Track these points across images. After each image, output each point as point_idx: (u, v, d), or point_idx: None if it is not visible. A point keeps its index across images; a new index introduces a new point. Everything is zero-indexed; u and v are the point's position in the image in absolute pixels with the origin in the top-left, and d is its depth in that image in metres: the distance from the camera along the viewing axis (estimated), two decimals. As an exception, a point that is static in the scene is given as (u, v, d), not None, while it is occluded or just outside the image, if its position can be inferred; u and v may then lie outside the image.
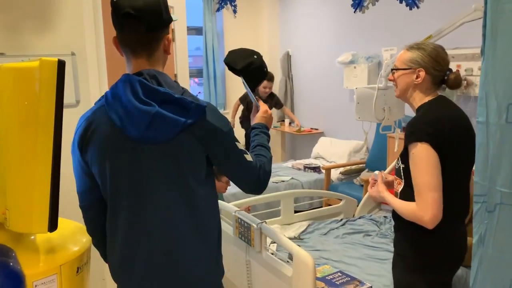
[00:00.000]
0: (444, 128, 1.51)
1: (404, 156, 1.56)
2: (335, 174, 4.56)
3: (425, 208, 1.47)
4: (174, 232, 1.28)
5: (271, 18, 6.03)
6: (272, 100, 5.05)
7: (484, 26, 1.23)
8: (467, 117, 1.63)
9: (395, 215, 1.66)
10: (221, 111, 6.12)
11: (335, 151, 4.94)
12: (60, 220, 1.86)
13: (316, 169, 4.75)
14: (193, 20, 6.11)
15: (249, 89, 1.70)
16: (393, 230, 2.74)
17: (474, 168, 1.25)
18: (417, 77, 1.59)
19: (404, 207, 1.56)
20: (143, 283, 1.30)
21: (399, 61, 1.66)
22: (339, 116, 5.17)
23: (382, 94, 3.15)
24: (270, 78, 4.76)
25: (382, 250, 2.50)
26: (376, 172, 1.79)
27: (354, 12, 3.59)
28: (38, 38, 2.46)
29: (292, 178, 4.47)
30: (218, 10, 5.82)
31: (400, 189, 1.61)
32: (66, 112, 2.58)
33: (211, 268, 1.36)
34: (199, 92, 6.61)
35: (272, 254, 2.06)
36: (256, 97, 1.70)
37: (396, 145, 3.43)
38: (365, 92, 3.47)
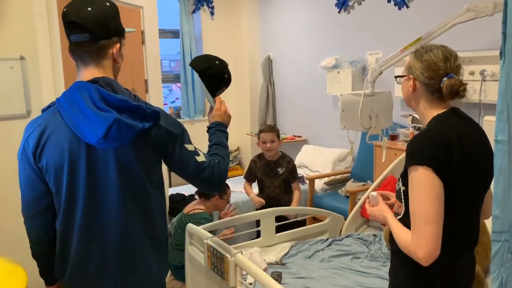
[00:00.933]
0: (452, 150, 1.27)
1: (405, 178, 1.34)
2: (319, 184, 4.31)
3: (419, 244, 1.25)
4: (127, 234, 1.33)
5: (251, 20, 5.77)
6: (287, 165, 3.26)
7: (504, 22, 1.00)
8: (485, 135, 1.39)
9: (392, 237, 1.42)
10: (200, 118, 5.85)
11: (319, 159, 4.70)
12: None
13: (299, 179, 4.48)
14: (170, 23, 5.81)
15: (207, 91, 1.76)
16: (383, 250, 2.52)
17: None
18: (410, 86, 1.43)
19: (401, 236, 1.33)
20: (97, 283, 1.36)
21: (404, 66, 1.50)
22: (323, 123, 4.93)
23: (368, 101, 2.92)
24: (270, 129, 3.26)
25: (373, 276, 2.24)
26: (373, 193, 1.52)
27: (339, 12, 3.35)
28: (-21, 40, 2.15)
29: (274, 190, 4.21)
30: (194, 11, 5.54)
31: (402, 213, 1.38)
32: (14, 124, 2.28)
33: (161, 269, 1.44)
34: (177, 98, 6.31)
35: (249, 289, 1.78)
36: (215, 98, 1.76)
37: (383, 154, 3.20)
38: (350, 99, 3.22)
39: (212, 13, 5.66)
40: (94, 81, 1.28)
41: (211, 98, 1.77)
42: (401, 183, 1.37)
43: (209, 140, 1.58)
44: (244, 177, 3.34)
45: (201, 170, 1.38)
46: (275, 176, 3.14)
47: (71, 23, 1.26)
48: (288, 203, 3.10)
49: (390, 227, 1.39)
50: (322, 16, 4.79)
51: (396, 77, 1.54)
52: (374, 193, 1.54)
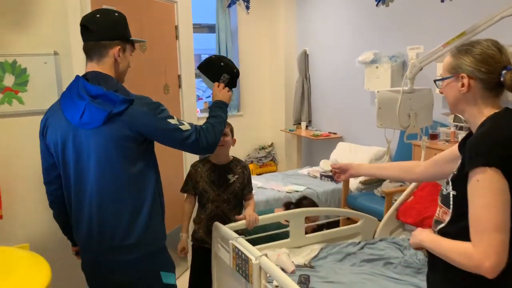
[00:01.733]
0: None
1: (459, 182, 1.23)
2: (354, 183, 4.18)
3: (488, 253, 1.12)
4: (105, 203, 1.57)
5: (288, 14, 5.67)
6: (241, 172, 2.43)
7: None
8: None
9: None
10: (234, 113, 5.83)
11: (355, 158, 4.56)
12: (14, 253, 1.58)
13: (333, 177, 4.37)
14: (206, 17, 5.81)
15: (205, 78, 2.03)
16: (418, 257, 2.39)
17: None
18: (462, 86, 1.29)
19: (457, 248, 1.19)
20: (86, 244, 1.66)
21: (442, 69, 1.36)
22: (360, 120, 4.78)
23: (407, 98, 2.77)
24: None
25: (406, 284, 2.13)
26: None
27: (377, 5, 3.21)
28: (15, 35, 2.18)
29: (307, 188, 4.12)
30: (229, 6, 5.47)
31: (447, 220, 1.27)
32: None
33: (143, 236, 1.59)
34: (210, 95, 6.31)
35: (274, 294, 1.72)
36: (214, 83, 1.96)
37: (422, 155, 3.04)
38: (388, 96, 3.08)
39: (247, 7, 5.56)
40: (85, 74, 1.60)
41: (210, 84, 2.00)
42: (451, 187, 1.26)
43: (208, 115, 1.80)
44: (181, 190, 2.39)
45: (186, 136, 1.59)
46: (224, 186, 2.30)
47: (82, 26, 1.62)
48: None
49: (433, 245, 1.28)
50: (360, 9, 4.63)
51: (436, 81, 1.40)
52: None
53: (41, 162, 1.72)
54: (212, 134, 1.67)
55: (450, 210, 1.26)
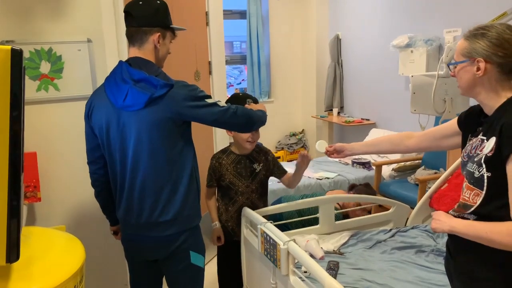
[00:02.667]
0: None
1: (495, 163, 1.24)
2: (387, 170, 4.11)
3: None
4: (146, 181, 1.67)
5: (320, -2, 5.56)
6: (265, 159, 2.38)
7: None
8: None
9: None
10: (265, 99, 5.82)
11: (388, 144, 4.47)
12: (52, 234, 1.64)
13: (365, 164, 4.32)
14: (237, 3, 5.78)
15: None
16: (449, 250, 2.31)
17: None
18: (477, 70, 1.29)
19: (497, 230, 1.19)
20: (125, 220, 1.77)
21: (456, 53, 1.37)
22: (394, 106, 4.67)
23: (442, 83, 2.69)
24: None
25: (438, 273, 2.08)
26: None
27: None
28: (50, 23, 2.24)
29: (338, 175, 4.09)
30: (261, -9, 5.46)
31: (478, 202, 1.27)
32: (83, 105, 2.36)
33: (179, 214, 1.69)
34: (243, 80, 6.31)
35: (302, 280, 1.72)
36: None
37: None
38: (423, 80, 3.00)
39: (279, -8, 5.54)
40: (128, 60, 1.69)
41: None
42: (484, 169, 1.25)
43: None
44: (207, 186, 2.31)
45: (225, 110, 1.67)
46: (251, 176, 2.26)
47: (125, 12, 1.70)
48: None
49: (468, 230, 1.27)
50: (395, -8, 4.49)
51: (449, 65, 1.40)
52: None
53: (85, 143, 1.82)
54: (250, 112, 1.76)
55: (483, 192, 1.25)
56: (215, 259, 2.45)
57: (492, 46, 1.26)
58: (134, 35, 1.68)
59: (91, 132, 1.77)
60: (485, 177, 1.24)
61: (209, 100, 1.66)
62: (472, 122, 1.41)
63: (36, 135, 2.26)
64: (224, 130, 2.57)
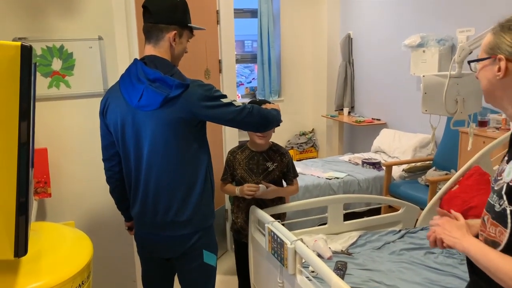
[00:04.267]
0: None
1: None
2: (397, 171, 4.07)
3: None
4: (161, 181, 1.66)
5: (331, -3, 5.53)
6: (280, 159, 2.37)
7: None
8: None
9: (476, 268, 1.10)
10: (275, 98, 5.81)
11: (399, 145, 4.44)
12: (61, 229, 1.66)
13: (375, 165, 4.28)
14: (248, 2, 5.78)
15: None
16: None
17: None
18: (498, 70, 1.07)
19: (508, 267, 0.98)
20: (140, 219, 1.76)
21: (481, 49, 1.15)
22: (405, 106, 4.63)
23: (454, 83, 2.65)
24: None
25: (447, 275, 2.06)
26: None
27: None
28: (61, 21, 2.26)
29: (348, 175, 4.06)
30: (272, -10, 5.44)
31: (504, 241, 1.04)
32: (94, 102, 2.39)
33: (194, 214, 1.68)
34: (253, 78, 6.31)
35: (309, 279, 1.71)
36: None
37: (469, 142, 2.91)
38: (434, 80, 2.96)
39: (290, -9, 5.53)
40: (143, 58, 1.66)
41: None
42: (506, 202, 1.02)
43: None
44: (221, 180, 2.33)
45: (240, 110, 1.64)
46: (263, 174, 2.25)
47: (143, 7, 1.67)
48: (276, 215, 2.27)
49: (479, 257, 1.04)
50: (408, -9, 4.45)
51: (470, 62, 1.19)
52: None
53: (100, 140, 1.81)
54: (265, 112, 1.72)
55: (508, 230, 1.02)
56: (224, 258, 2.46)
57: None
58: (150, 31, 1.66)
59: (106, 129, 1.76)
60: (508, 212, 1.01)
61: (224, 100, 1.63)
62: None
63: (47, 131, 2.29)
64: (234, 128, 2.58)
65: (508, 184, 1.01)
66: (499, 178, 1.07)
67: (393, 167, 4.00)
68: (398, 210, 2.74)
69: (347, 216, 2.69)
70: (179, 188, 1.66)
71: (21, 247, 1.09)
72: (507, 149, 1.17)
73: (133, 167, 1.71)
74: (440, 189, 3.01)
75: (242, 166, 2.27)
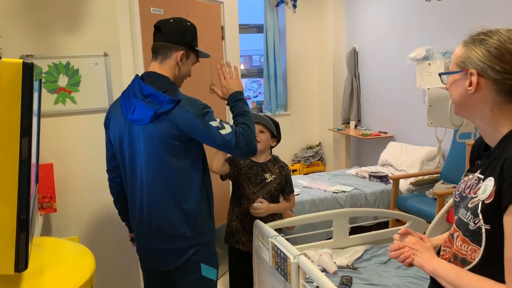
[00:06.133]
0: None
1: (493, 213, 0.97)
2: (404, 184, 4.04)
3: None
4: (153, 197, 1.69)
5: (336, 11, 5.57)
6: (279, 172, 2.38)
7: None
8: None
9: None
10: (281, 112, 5.82)
11: (406, 158, 4.41)
12: (64, 244, 1.66)
13: (383, 178, 4.25)
14: (255, 18, 5.84)
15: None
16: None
17: None
18: (470, 84, 1.04)
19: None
20: (138, 231, 1.79)
21: (451, 62, 1.13)
22: (411, 119, 4.62)
23: (460, 95, 2.66)
24: (259, 119, 2.44)
25: (455, 290, 2.02)
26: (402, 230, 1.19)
27: (427, -1, 3.10)
28: (68, 38, 2.30)
29: (354, 189, 4.03)
30: (277, 5, 5.49)
31: (477, 259, 1.01)
32: (99, 117, 2.42)
33: (186, 229, 1.69)
34: (260, 93, 6.34)
35: (312, 294, 1.70)
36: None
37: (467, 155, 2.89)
38: (440, 93, 2.96)
39: (294, 6, 5.57)
40: (143, 74, 1.73)
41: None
42: (481, 220, 0.99)
43: (232, 112, 1.78)
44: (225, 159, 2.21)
45: (227, 141, 1.62)
46: (260, 185, 2.25)
47: (155, 27, 1.73)
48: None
49: (452, 279, 1.01)
50: (412, 3, 4.47)
51: (441, 74, 1.17)
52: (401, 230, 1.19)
53: (105, 151, 1.88)
54: (250, 135, 1.68)
55: (482, 248, 1.00)
56: (227, 274, 2.44)
57: (489, 56, 1.01)
58: (159, 49, 1.71)
59: (109, 141, 1.82)
60: (483, 231, 0.98)
61: (213, 123, 1.62)
62: (473, 153, 1.17)
63: (53, 147, 2.31)
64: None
65: (483, 202, 0.98)
66: (472, 195, 1.04)
67: (401, 180, 3.97)
68: (405, 223, 2.71)
69: (355, 230, 2.67)
70: (171, 203, 1.67)
71: (21, 262, 1.10)
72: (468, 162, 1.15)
73: (128, 180, 1.74)
74: (448, 202, 2.98)
75: (242, 172, 2.27)
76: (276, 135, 2.34)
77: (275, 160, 2.33)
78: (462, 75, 1.06)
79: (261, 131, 2.27)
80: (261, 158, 2.30)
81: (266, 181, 2.25)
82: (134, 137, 1.67)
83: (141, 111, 1.63)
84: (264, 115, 2.35)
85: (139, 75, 1.73)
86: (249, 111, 1.77)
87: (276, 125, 2.35)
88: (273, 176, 2.26)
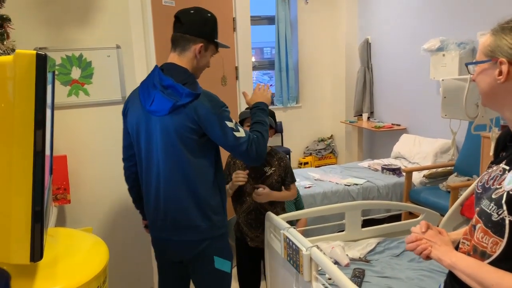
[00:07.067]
0: None
1: None
2: (417, 177, 4.00)
3: None
4: (170, 187, 1.69)
5: (349, 1, 5.50)
6: (278, 163, 2.32)
7: None
8: None
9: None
10: (293, 105, 5.80)
11: (419, 150, 4.36)
12: (78, 235, 1.68)
13: (395, 171, 4.22)
14: (266, 9, 5.80)
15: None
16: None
17: None
18: (499, 74, 1.01)
19: (507, 282, 0.94)
20: (152, 221, 1.81)
21: (478, 51, 1.10)
22: (425, 111, 4.56)
23: (475, 86, 2.60)
24: None
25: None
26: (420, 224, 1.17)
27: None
28: (80, 31, 2.31)
29: (367, 181, 4.01)
30: (289, -4, 5.45)
31: (498, 252, 0.98)
32: (112, 109, 2.43)
33: (199, 222, 1.70)
34: (271, 85, 6.32)
35: (325, 286, 1.69)
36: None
37: (492, 147, 2.85)
38: (454, 84, 2.92)
39: (307, -3, 5.53)
40: (162, 65, 1.72)
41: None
42: (505, 211, 0.96)
43: (252, 118, 1.81)
44: None
45: (239, 144, 1.62)
46: (261, 179, 2.19)
47: (175, 17, 1.72)
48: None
49: (472, 271, 0.99)
50: (426, -6, 4.40)
51: (468, 64, 1.14)
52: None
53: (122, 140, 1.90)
54: (262, 144, 1.69)
55: (505, 240, 0.97)
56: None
57: None
58: (178, 40, 1.70)
59: (126, 130, 1.83)
60: (507, 222, 0.95)
61: (228, 123, 1.63)
62: (498, 144, 1.15)
63: (66, 139, 2.33)
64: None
65: (508, 193, 0.96)
66: (497, 186, 1.02)
67: (414, 173, 3.93)
68: (418, 216, 2.68)
69: (367, 223, 2.65)
70: (185, 195, 1.68)
71: (36, 252, 1.11)
72: (493, 154, 1.16)
73: (144, 170, 1.75)
74: (462, 195, 2.95)
75: (241, 170, 2.18)
76: (273, 126, 2.23)
77: (273, 152, 2.27)
78: (491, 64, 1.03)
79: None
80: None
81: (266, 174, 2.19)
82: (151, 128, 1.68)
83: (159, 103, 1.64)
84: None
85: (159, 66, 1.73)
86: (267, 122, 1.79)
87: (272, 115, 2.22)
88: (272, 169, 2.21)
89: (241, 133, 1.64)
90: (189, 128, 1.61)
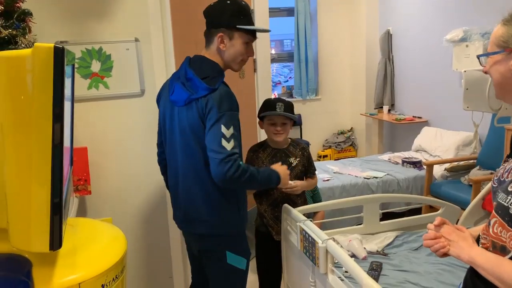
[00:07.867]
0: None
1: None
2: (439, 170, 3.94)
3: None
4: (186, 177, 1.72)
5: (370, -7, 5.42)
6: (301, 154, 2.33)
7: None
8: None
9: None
10: (312, 97, 5.76)
11: (441, 143, 4.29)
12: (98, 225, 1.71)
13: (416, 164, 4.16)
14: (285, 1, 5.76)
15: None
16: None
17: None
18: None
19: None
20: (174, 211, 1.87)
21: (490, 42, 1.08)
22: (447, 103, 4.47)
23: (499, 78, 2.54)
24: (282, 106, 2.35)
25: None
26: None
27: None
28: (100, 24, 2.34)
29: (387, 175, 3.97)
30: (308, -13, 5.40)
31: None
32: (131, 102, 2.46)
33: (211, 217, 1.71)
34: (290, 77, 6.29)
35: (341, 279, 1.69)
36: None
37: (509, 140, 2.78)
38: (477, 75, 2.85)
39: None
40: (192, 57, 1.75)
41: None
42: None
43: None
44: None
45: (218, 152, 1.55)
46: (288, 170, 2.09)
47: (204, 12, 1.74)
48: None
49: (491, 266, 0.96)
50: (450, -17, 4.29)
51: (479, 56, 1.11)
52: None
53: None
54: (241, 182, 1.58)
55: None
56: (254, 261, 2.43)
57: None
58: (206, 36, 1.74)
59: (159, 116, 1.89)
60: None
61: (223, 128, 1.56)
62: None
63: (87, 131, 2.38)
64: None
65: None
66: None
67: (435, 166, 3.87)
68: (438, 210, 2.64)
69: (386, 216, 2.62)
70: (199, 189, 1.70)
71: (56, 241, 1.14)
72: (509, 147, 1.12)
73: (168, 158, 1.83)
74: (484, 189, 2.89)
75: (266, 164, 2.19)
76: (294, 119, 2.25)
77: (295, 143, 2.28)
78: (505, 55, 1.01)
79: (284, 123, 2.17)
80: (283, 144, 2.24)
81: (292, 165, 2.19)
82: (173, 117, 1.73)
83: (178, 93, 1.69)
84: (285, 99, 2.26)
85: (190, 57, 1.77)
86: (262, 182, 1.72)
87: (292, 107, 2.22)
88: (297, 159, 2.22)
89: (229, 144, 1.55)
90: (198, 122, 1.63)
